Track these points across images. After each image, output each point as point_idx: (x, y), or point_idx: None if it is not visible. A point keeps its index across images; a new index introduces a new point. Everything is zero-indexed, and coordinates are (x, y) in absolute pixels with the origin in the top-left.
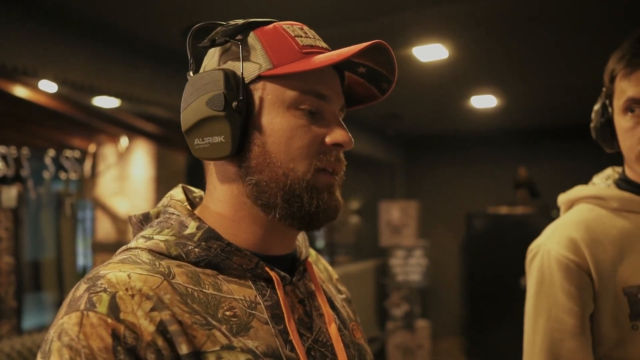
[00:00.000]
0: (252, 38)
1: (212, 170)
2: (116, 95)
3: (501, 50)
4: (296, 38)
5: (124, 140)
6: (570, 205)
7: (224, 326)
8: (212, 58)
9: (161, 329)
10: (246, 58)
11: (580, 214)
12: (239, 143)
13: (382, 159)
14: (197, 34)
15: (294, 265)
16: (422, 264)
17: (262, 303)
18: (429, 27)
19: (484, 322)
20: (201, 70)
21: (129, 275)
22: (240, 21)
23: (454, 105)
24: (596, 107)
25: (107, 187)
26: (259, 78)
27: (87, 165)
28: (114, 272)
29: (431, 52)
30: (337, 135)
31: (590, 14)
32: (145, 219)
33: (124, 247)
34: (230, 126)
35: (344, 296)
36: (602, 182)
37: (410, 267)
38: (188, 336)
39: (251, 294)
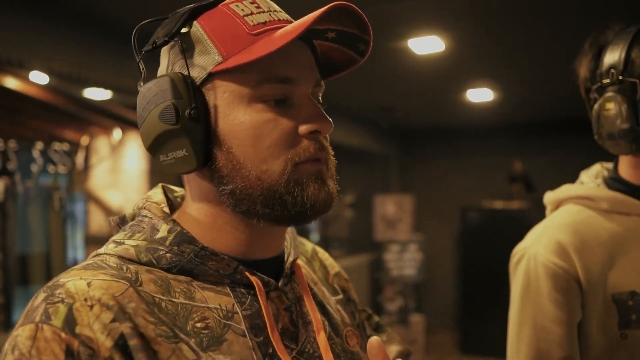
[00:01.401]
0: (196, 29)
1: (186, 180)
2: (107, 87)
3: (497, 43)
4: (245, 18)
5: (116, 133)
6: (558, 205)
7: (193, 340)
8: (163, 61)
9: (121, 342)
10: (192, 55)
11: (568, 216)
12: (204, 153)
13: (376, 152)
14: (140, 38)
15: (281, 269)
16: (416, 259)
17: (240, 312)
18: (425, 18)
19: (478, 316)
20: (158, 74)
21: (88, 284)
22: (183, 9)
23: (450, 98)
24: (615, 106)
25: (100, 180)
26: (210, 76)
27: (80, 157)
28: (74, 280)
29: (427, 45)
30: (310, 121)
31: (587, 6)
32: (122, 222)
33: (94, 253)
34: (188, 138)
35: (340, 297)
36: (591, 180)
37: (404, 261)
38: (149, 351)
39: (228, 302)
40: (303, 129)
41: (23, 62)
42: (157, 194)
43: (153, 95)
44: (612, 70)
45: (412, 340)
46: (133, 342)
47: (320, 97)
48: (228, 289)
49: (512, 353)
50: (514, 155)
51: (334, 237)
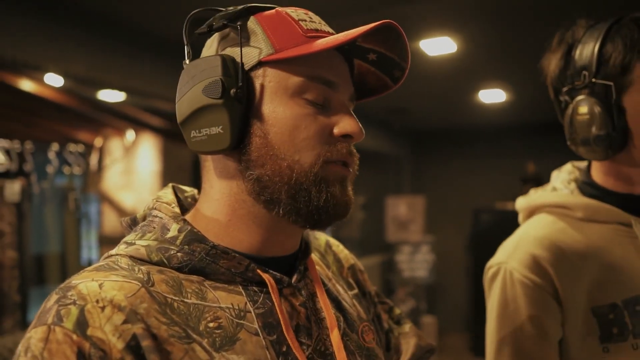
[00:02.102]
0: (252, 22)
1: (209, 166)
2: (120, 89)
3: (509, 44)
4: (300, 22)
5: (130, 134)
6: (531, 212)
7: (206, 340)
8: (210, 47)
9: (133, 344)
10: (245, 43)
11: (543, 227)
12: (239, 134)
13: (388, 153)
14: (195, 23)
15: (295, 265)
16: (428, 260)
17: (252, 311)
18: (437, 19)
19: None
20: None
21: (100, 285)
22: (240, 7)
23: (462, 99)
24: (589, 111)
25: (113, 181)
26: (259, 64)
27: (94, 159)
28: (86, 281)
29: (439, 46)
30: (346, 125)
31: (602, 5)
32: (133, 223)
33: (106, 254)
34: (228, 115)
35: (355, 291)
36: (565, 186)
37: (416, 262)
38: (162, 352)
39: (240, 301)
40: (338, 130)
41: (38, 65)
42: (168, 194)
43: (200, 71)
44: (584, 72)
45: None
46: (146, 343)
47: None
48: (240, 287)
49: None
50: (526, 156)
51: (346, 238)
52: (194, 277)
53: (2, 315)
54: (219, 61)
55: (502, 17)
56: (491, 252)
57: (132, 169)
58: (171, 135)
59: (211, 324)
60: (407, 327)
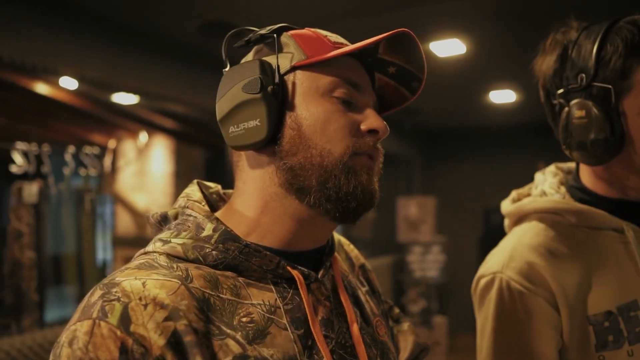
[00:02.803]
0: (285, 37)
1: (243, 164)
2: (134, 92)
3: (519, 44)
4: (327, 37)
5: (143, 136)
6: (520, 218)
7: (239, 333)
8: (247, 59)
9: (173, 340)
10: (280, 52)
11: (537, 235)
12: (275, 127)
13: (399, 154)
14: (230, 40)
15: (320, 260)
16: (439, 260)
17: (282, 307)
18: (446, 21)
19: None
20: None
21: (143, 283)
22: (276, 26)
23: (472, 100)
24: (587, 114)
25: (126, 182)
26: (293, 69)
27: (107, 160)
28: (129, 279)
29: (449, 47)
30: (372, 121)
31: (610, 6)
32: (163, 220)
33: (141, 251)
34: (266, 108)
35: (366, 288)
36: (555, 190)
37: (427, 263)
38: (202, 346)
39: (271, 298)
40: (365, 126)
41: (54, 69)
42: (195, 191)
43: (240, 73)
44: (582, 75)
45: (435, 342)
46: (188, 339)
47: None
48: (271, 284)
49: None
50: (537, 156)
51: (357, 238)
52: (229, 274)
53: (21, 313)
54: (257, 64)
55: (509, 18)
56: None
57: (145, 171)
58: (184, 136)
59: (244, 319)
60: (406, 325)
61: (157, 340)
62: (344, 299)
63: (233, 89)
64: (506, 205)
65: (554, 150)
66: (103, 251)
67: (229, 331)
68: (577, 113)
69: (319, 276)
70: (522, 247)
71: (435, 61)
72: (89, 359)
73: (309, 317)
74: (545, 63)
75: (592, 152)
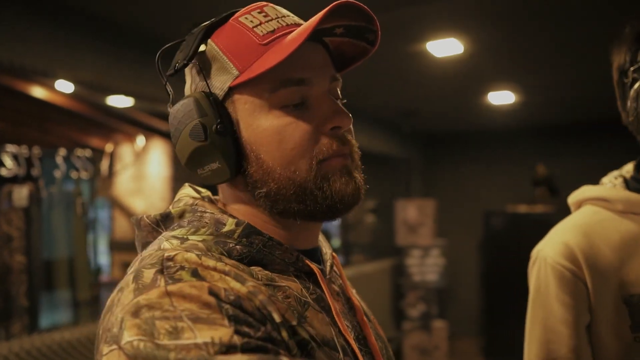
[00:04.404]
0: (211, 47)
1: (220, 189)
2: (129, 94)
3: (517, 44)
4: (254, 29)
5: (140, 140)
6: (579, 205)
7: (289, 311)
8: (187, 76)
9: (251, 297)
10: (210, 73)
11: (583, 217)
12: (236, 163)
13: (398, 156)
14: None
15: (320, 259)
16: (439, 264)
17: (308, 295)
18: (443, 21)
19: (501, 322)
20: (185, 93)
21: (198, 256)
22: (197, 30)
23: (471, 102)
24: None
25: (124, 186)
26: (230, 90)
27: (104, 164)
28: (181, 253)
29: (446, 47)
30: (329, 118)
31: (609, 8)
32: (164, 220)
33: (155, 247)
34: (219, 152)
35: (354, 290)
36: (611, 181)
37: (426, 266)
38: (272, 305)
39: (297, 287)
40: (323, 127)
41: (49, 71)
42: (192, 192)
43: (181, 116)
44: None
45: (435, 347)
46: (261, 297)
47: (338, 92)
48: (293, 276)
49: (525, 353)
50: (536, 158)
51: (355, 242)
52: (256, 268)
53: (10, 319)
54: (192, 104)
55: (507, 18)
56: (502, 255)
57: (143, 175)
58: None
59: (286, 300)
60: None
61: (241, 289)
62: (350, 293)
63: (182, 136)
64: (571, 196)
65: (553, 152)
66: (100, 255)
67: (282, 305)
68: None
69: (327, 272)
70: (565, 227)
71: (432, 61)
72: (180, 312)
73: (332, 308)
74: (622, 47)
75: None
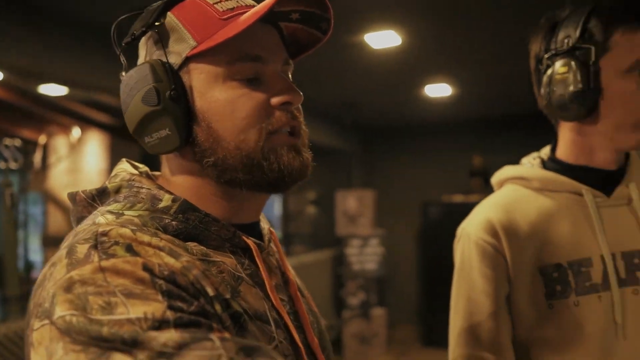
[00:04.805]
0: (170, 19)
1: (165, 160)
2: (63, 82)
3: (453, 37)
4: (215, 5)
5: (75, 131)
6: (500, 185)
7: (222, 285)
8: (141, 50)
9: (185, 272)
10: (168, 43)
11: (503, 195)
12: (186, 131)
13: (339, 148)
14: (128, 25)
15: (260, 234)
16: (378, 253)
17: (242, 272)
18: (381, 12)
19: (439, 310)
20: (138, 63)
21: (133, 231)
22: (157, 3)
23: (409, 94)
24: (569, 70)
25: (58, 180)
26: (186, 60)
27: (37, 156)
28: (116, 228)
29: (384, 39)
30: (281, 93)
31: (545, 3)
32: (100, 195)
33: (90, 222)
34: (170, 118)
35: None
36: (529, 161)
37: (366, 256)
38: (206, 280)
39: (232, 262)
40: (275, 100)
41: None
42: (129, 167)
43: (135, 81)
44: (567, 39)
45: (374, 334)
46: (195, 272)
47: (289, 76)
48: (229, 252)
49: (451, 327)
50: (473, 150)
51: (296, 233)
52: (191, 243)
53: None
54: (148, 69)
55: (442, 11)
56: (440, 244)
57: (79, 167)
58: (119, 131)
59: (220, 274)
60: None
61: (175, 264)
62: (287, 268)
63: (134, 102)
64: (493, 176)
65: (489, 143)
66: (32, 252)
67: (215, 279)
68: (560, 69)
69: (266, 246)
70: (487, 205)
71: (371, 53)
72: (113, 287)
73: (266, 282)
74: (538, 36)
75: (570, 106)
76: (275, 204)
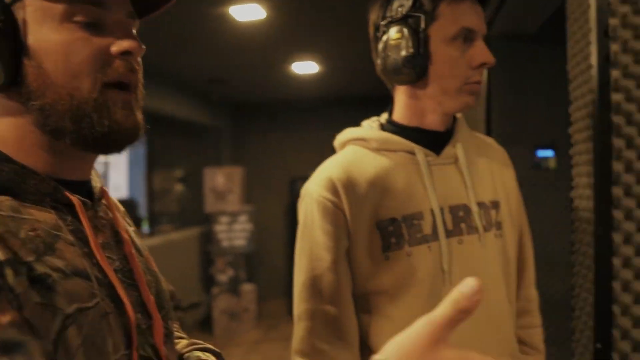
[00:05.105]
0: None
1: None
2: None
3: (317, 14)
4: None
5: None
6: (343, 146)
7: (29, 245)
8: None
9: None
10: None
11: (344, 156)
12: (12, 68)
13: (207, 124)
14: None
15: (91, 192)
16: (247, 229)
17: (64, 227)
18: None
19: None
20: None
21: None
22: None
23: (277, 71)
24: (401, 36)
25: None
26: None
27: None
28: None
29: (248, 12)
30: (122, 41)
31: None
32: None
33: None
34: None
35: (133, 229)
36: (369, 124)
37: (234, 232)
38: (3, 242)
39: (52, 218)
40: (115, 48)
41: None
42: None
43: None
44: (400, 8)
45: (244, 309)
46: None
47: (134, 32)
48: (49, 207)
49: (295, 283)
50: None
51: (163, 212)
52: (3, 197)
53: None
54: None
55: None
56: None
57: None
58: None
59: (31, 232)
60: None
61: None
62: (120, 226)
63: None
64: (335, 139)
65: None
66: None
67: (15, 241)
68: (394, 35)
69: (94, 203)
70: (328, 165)
71: (236, 26)
72: None
73: (90, 238)
74: (375, 7)
75: (404, 70)
76: (140, 183)
